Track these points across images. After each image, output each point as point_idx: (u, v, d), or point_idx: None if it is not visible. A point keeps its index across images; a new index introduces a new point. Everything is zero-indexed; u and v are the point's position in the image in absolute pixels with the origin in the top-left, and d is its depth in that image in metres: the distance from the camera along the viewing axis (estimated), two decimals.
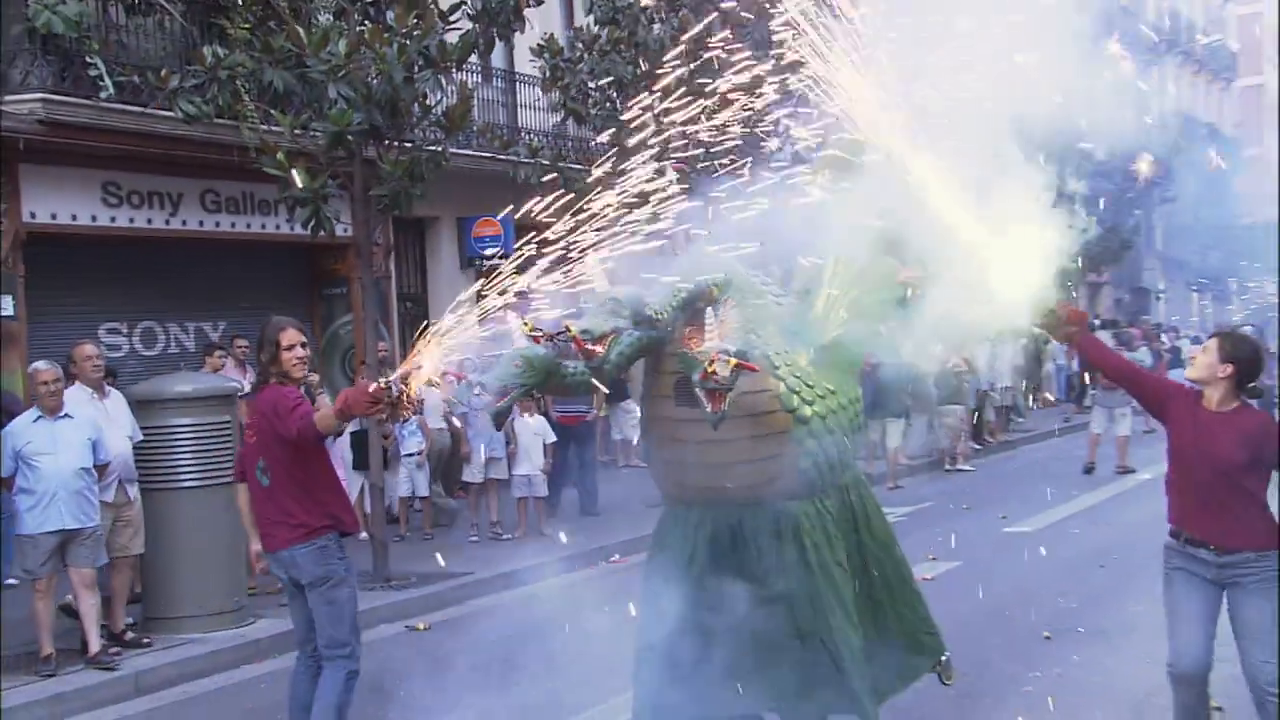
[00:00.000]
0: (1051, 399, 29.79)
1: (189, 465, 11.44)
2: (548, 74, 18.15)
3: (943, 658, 7.72)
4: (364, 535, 13.90)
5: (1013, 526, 15.64)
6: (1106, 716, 8.30)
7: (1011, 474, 21.26)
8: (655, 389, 7.21)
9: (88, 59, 14.72)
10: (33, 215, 15.23)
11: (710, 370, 6.45)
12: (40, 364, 10.77)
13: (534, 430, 15.67)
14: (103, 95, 14.79)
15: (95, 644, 10.36)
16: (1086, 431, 21.82)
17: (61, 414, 10.36)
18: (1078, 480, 19.77)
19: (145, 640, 11.00)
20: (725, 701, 7.33)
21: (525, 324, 6.66)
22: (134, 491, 11.20)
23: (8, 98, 14.45)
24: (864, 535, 7.41)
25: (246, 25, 12.71)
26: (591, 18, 18.57)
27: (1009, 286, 6.59)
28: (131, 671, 10.33)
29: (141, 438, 11.27)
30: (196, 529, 11.37)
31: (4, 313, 14.80)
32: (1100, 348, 7.50)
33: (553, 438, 16.03)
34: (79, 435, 10.36)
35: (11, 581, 12.09)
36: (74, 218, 15.69)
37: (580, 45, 18.18)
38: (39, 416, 10.32)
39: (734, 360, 6.47)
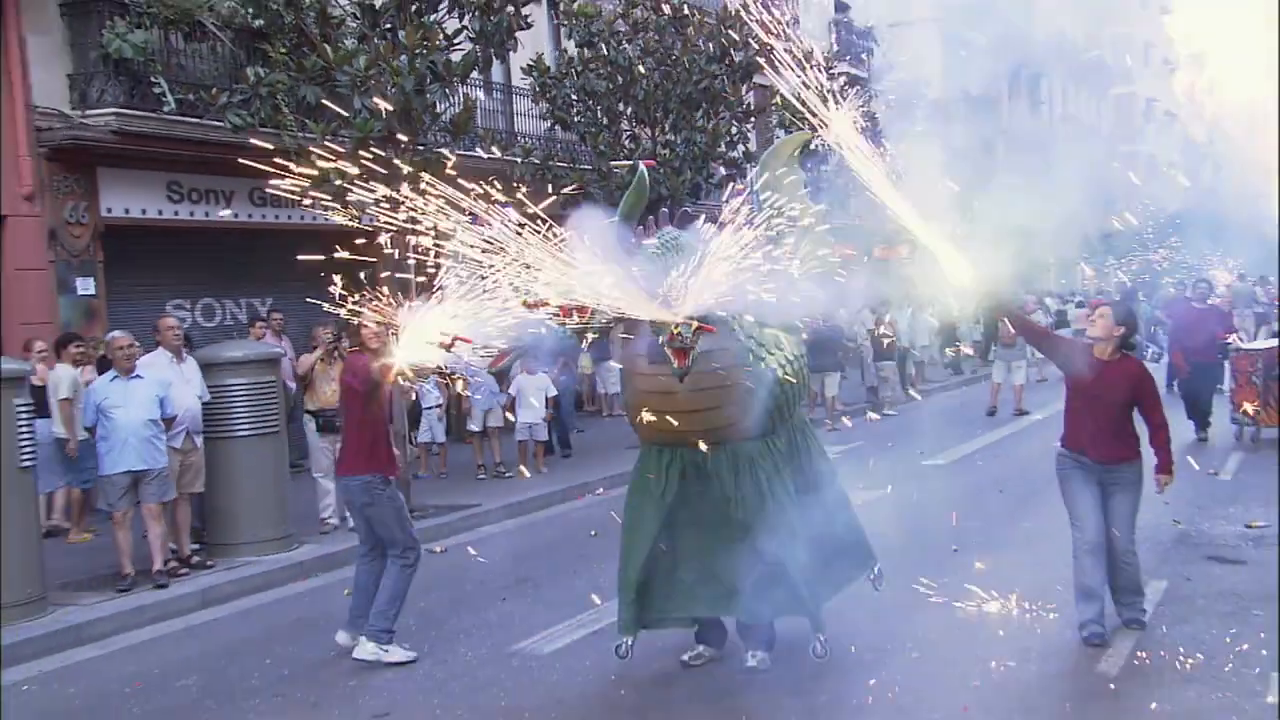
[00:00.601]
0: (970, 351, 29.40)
1: (243, 417, 11.42)
2: (537, 89, 18.13)
3: (875, 569, 7.79)
4: None
5: (929, 460, 15.70)
6: (999, 607, 8.38)
7: (928, 417, 21.31)
8: (631, 349, 7.23)
9: (153, 79, 14.65)
10: (109, 210, 15.21)
11: (675, 331, 6.51)
12: (116, 333, 10.90)
13: (537, 385, 15.68)
14: (165, 109, 14.72)
15: (159, 563, 10.39)
16: (989, 381, 21.90)
17: (134, 374, 10.35)
18: (982, 421, 19.85)
19: (209, 563, 11.01)
20: (692, 605, 7.44)
21: (522, 298, 6.67)
22: (199, 441, 11.20)
23: (88, 112, 14.39)
24: (808, 468, 7.48)
25: (284, 49, 12.62)
26: (572, 41, 18.56)
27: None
28: (198, 588, 10.34)
29: (209, 398, 11.26)
30: (250, 471, 11.38)
31: (87, 293, 14.81)
32: (1027, 324, 8.47)
33: (554, 391, 16.07)
34: (148, 392, 10.34)
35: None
36: (144, 212, 15.64)
37: (564, 66, 18.22)
38: (115, 376, 10.32)
39: (696, 323, 6.52)
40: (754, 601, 7.21)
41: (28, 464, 9.66)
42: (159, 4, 13.52)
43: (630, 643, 7.34)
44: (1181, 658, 7.24)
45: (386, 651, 8.03)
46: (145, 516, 10.43)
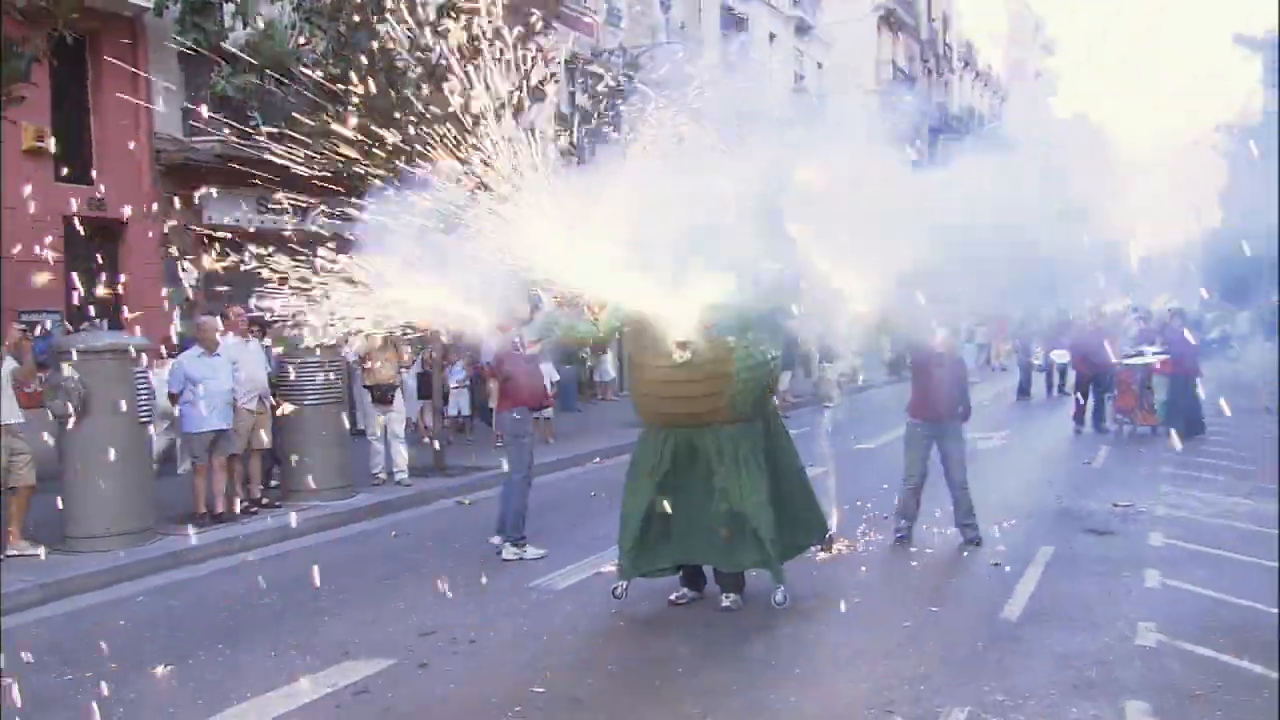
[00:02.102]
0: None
1: (312, 389, 11.39)
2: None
3: (827, 535, 7.78)
4: (426, 440, 13.89)
5: (861, 444, 15.75)
6: (923, 564, 8.43)
7: (861, 410, 21.32)
8: (638, 343, 7.21)
9: (249, 113, 14.56)
10: (210, 219, 15.15)
11: None
12: (203, 318, 10.95)
13: (545, 371, 15.65)
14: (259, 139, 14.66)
15: (221, 506, 10.41)
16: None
17: (216, 352, 10.35)
18: (903, 414, 19.76)
19: (277, 504, 11.00)
20: (676, 555, 7.42)
21: (556, 297, 6.70)
22: (267, 404, 11.16)
23: (196, 139, 14.34)
24: (777, 449, 7.46)
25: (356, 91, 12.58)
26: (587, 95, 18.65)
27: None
28: (276, 525, 10.29)
29: (271, 370, 11.23)
30: (317, 432, 11.36)
31: (191, 285, 14.78)
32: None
33: (557, 376, 16.00)
34: (226, 367, 10.39)
35: None
36: (237, 221, 15.58)
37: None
38: (202, 353, 10.30)
39: None
40: (729, 554, 7.21)
41: (145, 419, 9.63)
42: (256, 54, 13.42)
43: (626, 586, 7.36)
44: (1067, 608, 7.29)
45: (525, 550, 8.88)
46: (215, 468, 10.40)
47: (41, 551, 8.88)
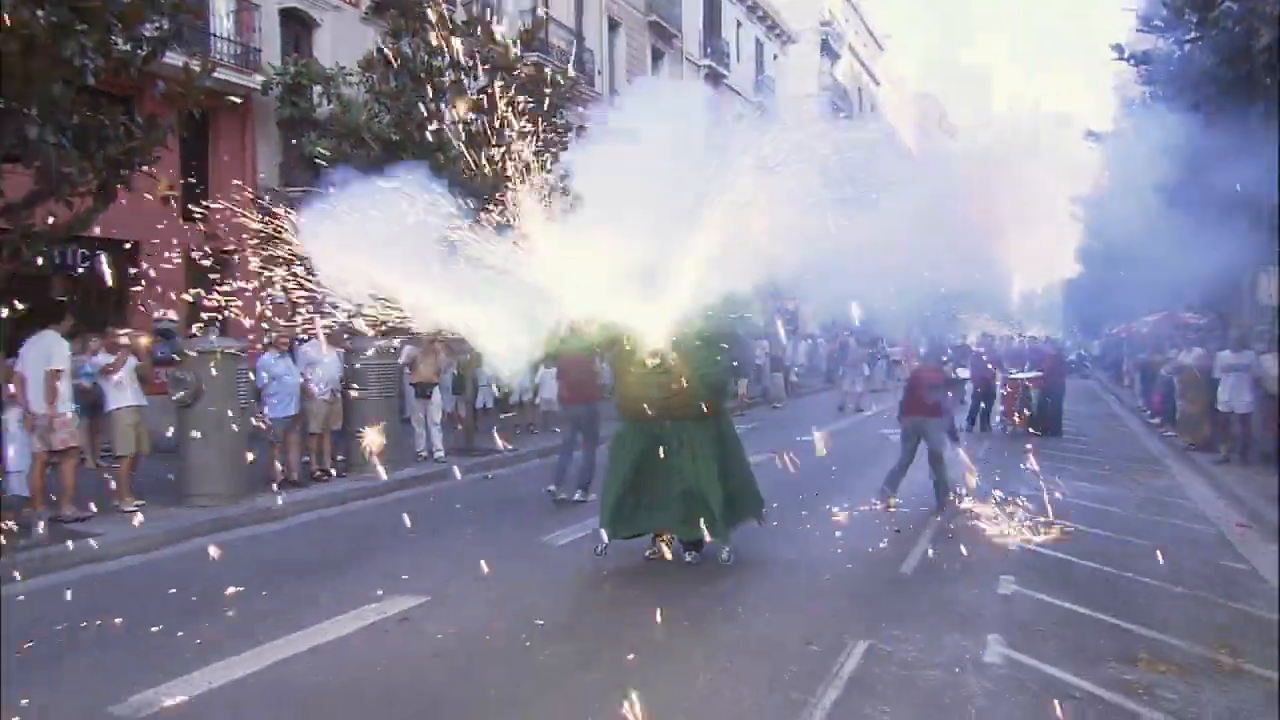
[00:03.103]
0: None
1: (372, 385, 11.43)
2: None
3: (763, 511, 7.87)
4: (458, 427, 13.90)
5: (802, 437, 15.74)
6: (841, 531, 8.49)
7: (803, 410, 21.46)
8: (621, 353, 7.27)
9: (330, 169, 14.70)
10: None
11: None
12: (278, 325, 10.86)
13: (551, 375, 15.66)
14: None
15: (295, 475, 10.40)
16: (838, 389, 22.01)
17: (287, 352, 10.37)
18: (835, 414, 19.96)
19: (342, 474, 11.03)
20: (644, 523, 7.41)
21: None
22: (339, 395, 11.15)
23: (288, 188, 14.38)
24: (726, 439, 7.48)
25: (413, 155, 12.72)
26: None
27: None
28: (340, 490, 10.35)
29: (343, 367, 11.19)
30: (374, 419, 11.36)
31: (280, 302, 14.72)
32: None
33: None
34: (295, 364, 10.43)
35: None
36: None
37: None
38: (280, 355, 10.29)
39: None
40: (685, 524, 7.23)
41: (242, 406, 9.68)
42: (337, 124, 13.57)
43: (605, 545, 7.36)
44: (947, 563, 7.44)
45: (582, 494, 9.59)
46: (291, 445, 10.44)
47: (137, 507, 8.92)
